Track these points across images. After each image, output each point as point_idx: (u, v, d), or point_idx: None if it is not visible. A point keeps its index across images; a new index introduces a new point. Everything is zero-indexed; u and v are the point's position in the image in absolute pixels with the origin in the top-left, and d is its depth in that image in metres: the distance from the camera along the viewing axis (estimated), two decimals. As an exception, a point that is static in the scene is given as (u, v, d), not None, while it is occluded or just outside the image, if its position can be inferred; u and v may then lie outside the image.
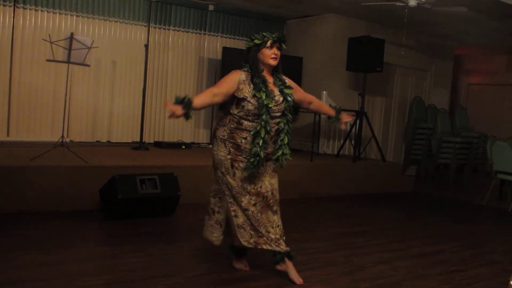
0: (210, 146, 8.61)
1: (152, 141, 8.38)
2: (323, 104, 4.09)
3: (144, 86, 7.59)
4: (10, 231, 4.44)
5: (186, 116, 3.15)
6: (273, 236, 3.52)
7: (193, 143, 8.75)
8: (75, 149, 5.98)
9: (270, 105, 3.41)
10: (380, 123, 10.20)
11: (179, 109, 3.10)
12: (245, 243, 3.54)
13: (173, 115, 3.10)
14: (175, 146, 8.07)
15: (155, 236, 4.64)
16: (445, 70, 11.20)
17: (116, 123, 8.14)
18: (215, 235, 3.71)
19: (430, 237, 5.33)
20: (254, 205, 3.48)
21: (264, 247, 3.53)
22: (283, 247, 3.55)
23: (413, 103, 10.29)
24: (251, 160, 3.41)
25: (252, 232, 3.52)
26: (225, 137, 3.48)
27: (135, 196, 5.02)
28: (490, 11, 7.63)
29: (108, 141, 8.09)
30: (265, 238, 3.51)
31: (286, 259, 3.59)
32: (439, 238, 5.28)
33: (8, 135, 7.27)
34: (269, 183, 3.55)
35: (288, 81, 3.67)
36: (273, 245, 3.52)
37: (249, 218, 3.49)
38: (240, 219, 3.51)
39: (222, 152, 3.48)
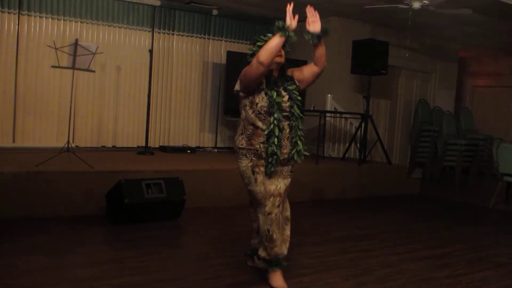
0: (216, 150, 8.68)
1: (157, 146, 8.40)
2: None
3: (149, 91, 7.61)
4: (16, 236, 4.45)
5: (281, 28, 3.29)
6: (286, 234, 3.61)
7: (198, 147, 8.77)
8: (81, 155, 6.00)
9: (281, 104, 3.44)
10: (385, 126, 10.19)
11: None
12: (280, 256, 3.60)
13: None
14: (180, 150, 8.08)
15: (161, 240, 4.65)
16: (450, 72, 11.18)
17: (121, 128, 8.16)
18: (254, 241, 3.78)
19: (436, 240, 5.31)
20: (278, 206, 3.50)
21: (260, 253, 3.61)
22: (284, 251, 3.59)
23: (418, 105, 10.28)
24: (269, 160, 3.43)
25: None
26: (244, 145, 3.51)
27: (141, 200, 5.03)
28: (494, 13, 7.61)
29: (114, 146, 8.11)
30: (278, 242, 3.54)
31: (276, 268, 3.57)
32: (445, 241, 5.26)
33: (14, 141, 7.29)
34: (283, 184, 3.58)
35: (295, 74, 3.67)
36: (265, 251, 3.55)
37: (272, 222, 3.49)
38: (262, 223, 3.53)
39: (244, 162, 3.52)
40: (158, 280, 3.54)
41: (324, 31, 3.51)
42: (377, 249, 4.75)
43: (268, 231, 3.49)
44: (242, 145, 3.52)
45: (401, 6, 6.80)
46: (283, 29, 3.28)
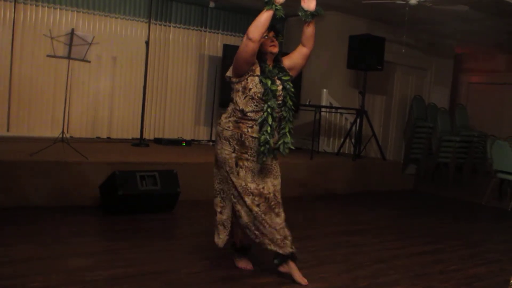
0: (211, 143, 8.67)
1: (152, 138, 8.38)
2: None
3: (144, 82, 7.58)
4: (9, 225, 4.45)
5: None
6: (278, 237, 3.48)
7: (193, 140, 8.75)
8: (75, 145, 5.98)
9: (275, 92, 3.43)
10: (380, 122, 10.20)
11: None
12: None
13: None
14: (175, 143, 8.07)
15: (155, 232, 4.65)
16: (446, 69, 11.19)
17: (116, 119, 8.14)
18: (221, 237, 3.64)
19: (429, 236, 5.34)
20: (258, 205, 3.45)
21: (269, 247, 3.51)
22: (287, 249, 3.51)
23: (413, 101, 10.30)
24: (261, 148, 3.40)
25: (256, 233, 3.49)
26: (230, 127, 3.46)
27: (135, 192, 5.03)
28: (490, 10, 7.62)
29: (108, 137, 8.08)
30: (269, 240, 3.49)
31: (290, 261, 3.55)
32: (438, 237, 5.28)
33: (8, 130, 7.27)
34: (272, 184, 3.53)
35: (285, 63, 3.64)
36: (277, 247, 3.49)
37: (254, 218, 3.47)
38: (244, 219, 3.50)
39: (227, 151, 3.48)
40: (150, 271, 3.54)
41: (319, 10, 3.51)
42: (370, 244, 4.77)
43: (240, 218, 3.50)
44: (228, 127, 3.47)
45: (398, 1, 6.80)
46: (269, 3, 3.28)
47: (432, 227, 5.81)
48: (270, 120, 3.39)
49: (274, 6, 3.29)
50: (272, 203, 3.49)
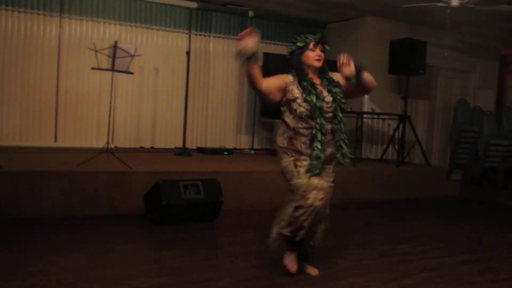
0: (253, 152, 8.70)
1: (194, 147, 8.46)
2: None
3: (186, 92, 7.68)
4: (56, 234, 4.56)
5: (251, 56, 3.27)
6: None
7: (235, 149, 8.79)
8: (120, 155, 6.09)
9: (322, 107, 3.43)
10: (424, 127, 10.03)
11: (251, 46, 3.24)
12: (286, 233, 3.57)
13: (246, 34, 3.25)
14: (218, 152, 8.13)
15: (198, 241, 4.68)
16: (491, 71, 10.92)
17: (159, 129, 8.26)
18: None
19: (477, 243, 5.20)
20: (320, 200, 3.46)
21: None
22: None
23: (457, 105, 10.08)
24: (314, 162, 3.44)
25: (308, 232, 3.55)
26: (285, 145, 3.54)
27: (178, 201, 5.08)
28: (537, 9, 7.40)
29: (152, 147, 8.21)
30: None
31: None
32: (486, 245, 5.13)
33: (55, 141, 7.49)
34: (326, 181, 3.58)
35: (336, 77, 3.66)
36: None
37: (311, 214, 3.45)
38: (303, 220, 3.49)
39: (286, 159, 3.55)
40: (195, 280, 3.56)
41: (359, 68, 3.50)
42: (416, 253, 4.67)
43: (304, 221, 3.46)
44: (283, 144, 3.54)
45: (439, 4, 6.68)
46: (240, 55, 3.28)
47: (480, 235, 5.65)
48: (319, 136, 3.44)
49: (246, 56, 3.28)
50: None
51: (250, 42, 3.25)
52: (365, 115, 8.35)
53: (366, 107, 8.57)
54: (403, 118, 8.11)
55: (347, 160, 3.58)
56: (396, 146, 8.32)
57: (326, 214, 3.64)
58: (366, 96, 8.48)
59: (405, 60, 8.08)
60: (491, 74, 10.96)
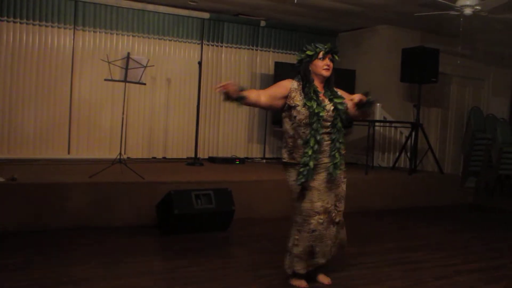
0: (264, 161, 8.70)
1: (206, 157, 8.48)
2: None
3: (198, 102, 7.72)
4: (70, 245, 4.58)
5: (238, 99, 3.37)
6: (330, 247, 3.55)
7: (247, 158, 8.80)
8: (132, 166, 6.12)
9: (321, 114, 3.42)
10: (437, 135, 9.98)
11: (233, 90, 3.31)
12: (301, 271, 3.57)
13: (224, 87, 3.30)
14: (229, 161, 8.14)
15: (211, 250, 4.68)
16: (504, 78, 10.86)
17: (171, 139, 8.30)
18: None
19: (492, 251, 5.14)
20: (322, 223, 3.48)
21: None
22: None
23: (471, 113, 10.03)
24: (301, 169, 3.42)
25: (308, 262, 3.55)
26: (286, 159, 3.54)
27: (190, 211, 5.09)
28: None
29: (164, 157, 8.24)
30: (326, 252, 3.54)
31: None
32: (501, 252, 5.08)
33: (69, 153, 7.54)
34: (334, 194, 3.56)
35: (341, 92, 3.66)
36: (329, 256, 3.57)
37: (313, 239, 3.48)
38: (300, 248, 3.51)
39: (293, 177, 3.53)
40: (208, 290, 3.57)
41: (368, 100, 3.55)
42: (430, 260, 4.64)
43: (312, 246, 3.49)
44: (284, 159, 3.55)
45: (452, 12, 6.66)
46: (227, 99, 3.38)
47: (494, 242, 5.60)
48: (312, 142, 3.41)
49: (235, 98, 3.37)
50: (333, 214, 3.55)
51: (231, 87, 3.34)
52: (377, 123, 8.32)
53: (378, 115, 8.54)
54: (416, 126, 8.08)
55: (337, 171, 3.52)
56: (409, 154, 8.28)
57: (331, 231, 3.57)
58: (378, 104, 8.46)
59: (418, 68, 8.06)
60: (505, 81, 10.89)
